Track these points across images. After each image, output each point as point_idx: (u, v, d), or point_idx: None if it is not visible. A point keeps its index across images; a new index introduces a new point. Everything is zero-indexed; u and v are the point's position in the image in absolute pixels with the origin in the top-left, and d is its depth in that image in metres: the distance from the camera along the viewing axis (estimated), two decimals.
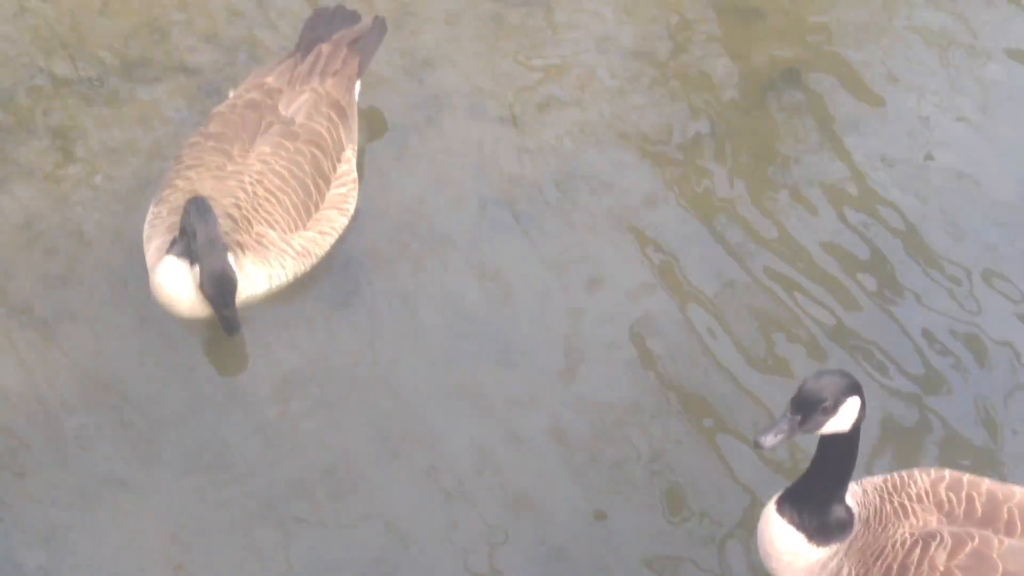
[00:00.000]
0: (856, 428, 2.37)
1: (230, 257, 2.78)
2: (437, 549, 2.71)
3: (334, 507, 2.69)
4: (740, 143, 3.23)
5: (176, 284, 2.82)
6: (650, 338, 2.79)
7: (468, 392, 2.91)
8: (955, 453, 2.83)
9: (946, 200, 3.06)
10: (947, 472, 2.55)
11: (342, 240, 3.07)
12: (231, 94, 3.14)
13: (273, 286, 2.93)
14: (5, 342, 2.87)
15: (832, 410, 2.29)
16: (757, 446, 2.38)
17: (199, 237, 2.72)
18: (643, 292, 2.88)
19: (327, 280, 3.08)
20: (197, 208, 2.71)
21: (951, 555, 2.36)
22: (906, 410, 2.87)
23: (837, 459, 2.44)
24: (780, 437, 2.32)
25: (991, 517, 2.43)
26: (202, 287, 2.74)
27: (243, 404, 2.88)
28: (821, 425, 2.30)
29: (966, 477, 2.53)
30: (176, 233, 2.76)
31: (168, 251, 2.76)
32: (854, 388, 2.31)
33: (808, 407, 2.29)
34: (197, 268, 2.74)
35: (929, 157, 3.16)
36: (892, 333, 3.01)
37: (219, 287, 2.74)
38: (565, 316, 2.88)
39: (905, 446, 2.87)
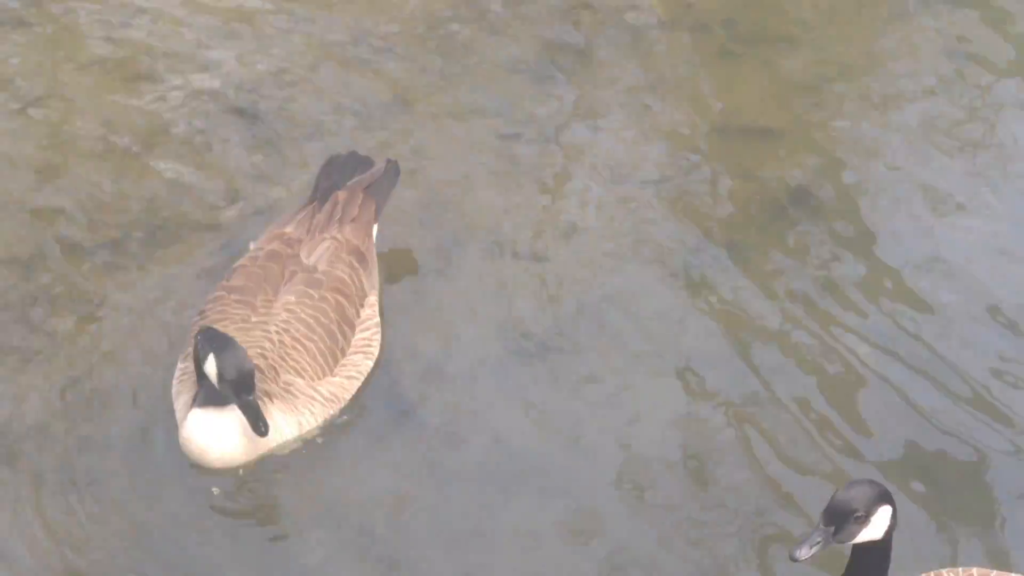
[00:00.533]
0: (888, 536, 2.43)
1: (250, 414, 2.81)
2: None
3: None
4: (758, 260, 3.25)
5: (204, 435, 2.81)
6: (693, 458, 2.84)
7: (517, 530, 2.88)
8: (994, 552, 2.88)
9: (958, 311, 3.18)
10: (976, 570, 2.64)
11: (367, 381, 3.08)
12: (252, 246, 3.19)
13: (303, 432, 2.93)
14: (33, 508, 2.86)
15: (864, 519, 2.34)
16: (793, 559, 2.40)
17: (211, 338, 2.76)
18: (680, 415, 2.90)
19: (358, 424, 3.05)
20: (203, 335, 2.76)
21: None
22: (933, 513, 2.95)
23: (871, 567, 2.52)
24: (815, 549, 2.34)
25: None
26: (222, 377, 2.73)
27: (285, 551, 2.88)
28: (855, 535, 2.34)
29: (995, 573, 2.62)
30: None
31: (193, 405, 2.78)
32: (885, 497, 2.37)
33: (840, 518, 2.33)
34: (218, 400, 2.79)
35: (940, 260, 3.27)
36: (916, 435, 3.06)
37: (238, 371, 2.74)
38: (607, 442, 2.88)
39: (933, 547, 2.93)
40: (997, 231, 3.63)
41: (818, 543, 2.35)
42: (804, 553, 2.38)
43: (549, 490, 2.97)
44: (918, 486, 2.92)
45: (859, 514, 2.35)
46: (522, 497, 2.95)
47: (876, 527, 2.41)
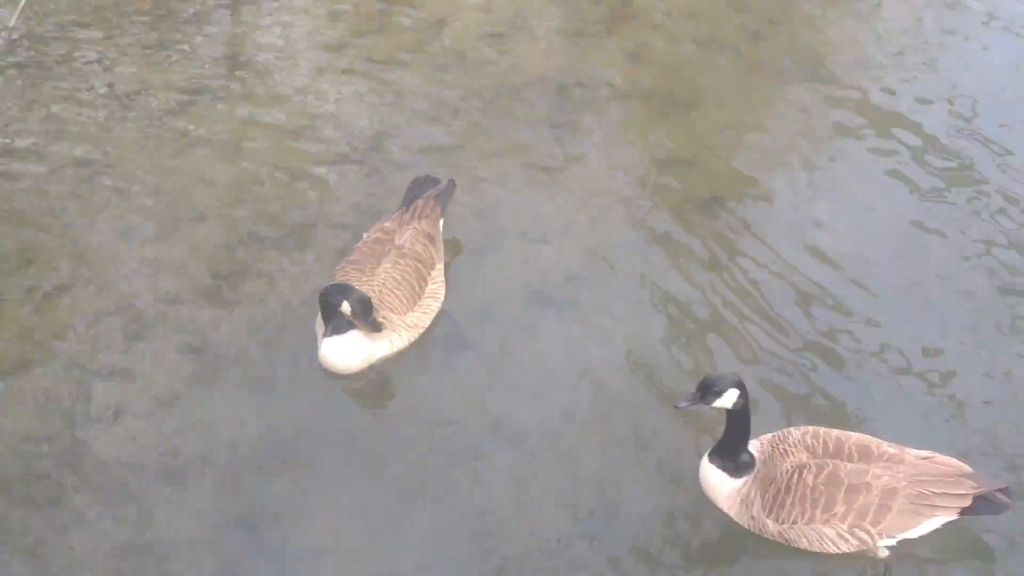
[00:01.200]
0: (739, 407, 3.21)
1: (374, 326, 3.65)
2: None
3: None
4: (691, 242, 4.19)
5: (333, 353, 3.65)
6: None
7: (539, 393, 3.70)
8: (817, 417, 3.61)
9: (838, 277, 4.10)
10: (811, 427, 3.42)
11: (438, 318, 3.91)
12: (364, 236, 4.02)
13: (395, 348, 3.74)
14: (231, 390, 3.62)
15: (719, 393, 3.14)
16: (676, 407, 3.36)
17: (342, 287, 3.60)
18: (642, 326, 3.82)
19: (432, 344, 3.87)
20: (343, 291, 3.59)
21: (815, 476, 3.21)
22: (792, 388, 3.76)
23: (738, 426, 3.27)
24: (686, 404, 3.25)
25: (838, 453, 3.29)
26: (354, 312, 3.55)
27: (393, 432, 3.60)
28: (712, 403, 3.17)
29: (822, 429, 3.37)
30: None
31: (325, 336, 3.64)
32: (737, 384, 3.17)
33: (705, 389, 3.18)
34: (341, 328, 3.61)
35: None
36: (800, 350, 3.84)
37: (362, 304, 3.56)
38: (601, 354, 3.76)
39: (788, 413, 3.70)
40: (841, 220, 4.48)
41: (689, 401, 3.23)
42: (682, 405, 3.29)
43: (567, 382, 3.75)
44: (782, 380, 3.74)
45: (716, 388, 3.15)
46: (552, 388, 3.70)
47: (726, 399, 3.16)
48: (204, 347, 3.85)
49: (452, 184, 4.28)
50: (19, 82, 5.43)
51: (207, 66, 5.48)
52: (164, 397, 3.66)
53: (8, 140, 4.94)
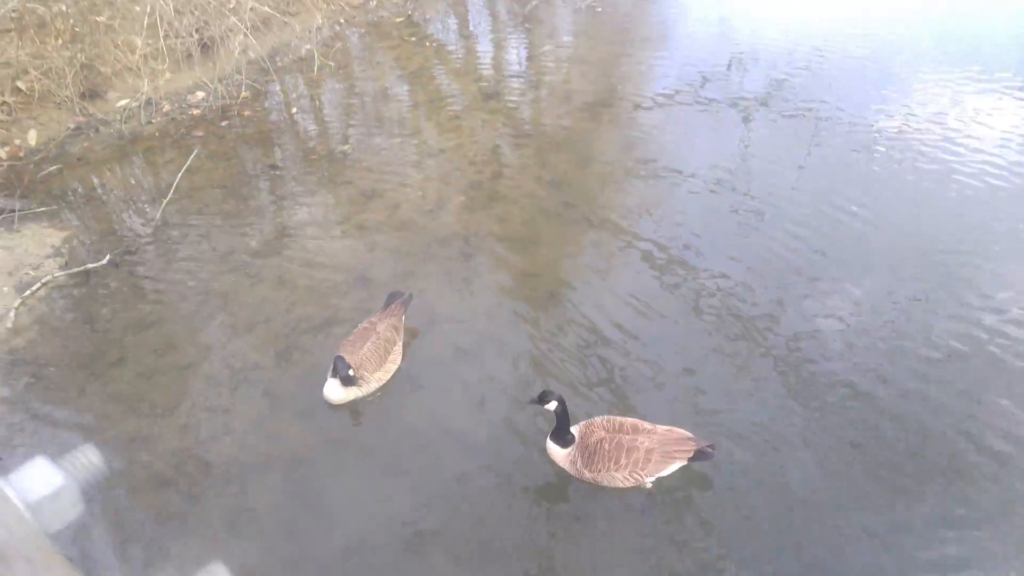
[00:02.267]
0: (560, 411, 3.80)
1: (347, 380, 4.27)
2: None
3: None
4: (539, 317, 4.83)
5: (329, 391, 4.36)
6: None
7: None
8: (608, 410, 4.02)
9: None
10: (606, 416, 3.99)
11: (397, 373, 4.54)
12: (359, 325, 4.65)
13: (368, 392, 4.44)
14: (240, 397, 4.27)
15: (549, 401, 3.82)
16: (527, 403, 3.95)
17: (336, 363, 4.27)
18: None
19: (392, 390, 4.49)
20: (337, 359, 4.28)
21: (609, 444, 3.80)
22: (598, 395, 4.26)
23: (562, 420, 3.90)
24: (531, 403, 3.87)
25: (621, 429, 3.89)
26: (336, 374, 4.24)
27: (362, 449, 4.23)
28: (544, 405, 3.82)
29: (613, 417, 3.97)
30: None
31: (328, 378, 4.35)
32: (558, 397, 3.81)
33: (541, 398, 3.83)
34: (337, 377, 4.28)
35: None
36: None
37: (343, 371, 4.24)
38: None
39: (593, 410, 4.22)
40: (620, 300, 4.96)
41: (533, 402, 3.84)
42: (530, 403, 3.86)
43: (474, 404, 4.33)
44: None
45: (547, 398, 3.78)
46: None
47: (552, 405, 3.78)
48: (276, 390, 4.51)
49: (410, 296, 4.96)
50: (160, 248, 5.92)
51: (267, 230, 6.07)
52: (248, 416, 4.30)
53: (160, 284, 5.49)
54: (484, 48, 9.94)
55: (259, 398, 4.49)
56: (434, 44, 9.97)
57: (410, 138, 7.49)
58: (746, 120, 7.34)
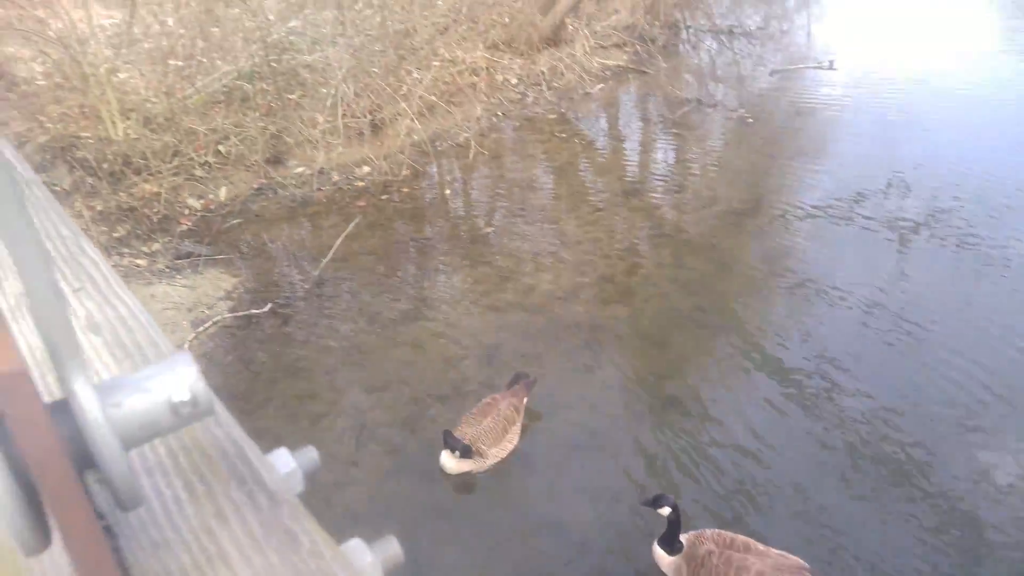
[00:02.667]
0: (672, 516, 3.85)
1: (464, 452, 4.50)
2: None
3: None
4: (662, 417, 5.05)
5: (444, 461, 4.61)
6: None
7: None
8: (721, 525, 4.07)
9: None
10: (717, 530, 4.03)
11: (513, 452, 4.76)
12: (482, 400, 4.87)
13: (485, 467, 4.64)
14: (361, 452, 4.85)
15: (662, 505, 3.89)
16: (641, 504, 4.00)
17: (445, 438, 4.53)
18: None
19: (507, 468, 4.74)
20: (445, 434, 4.56)
21: (718, 559, 3.82)
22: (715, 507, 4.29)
23: (673, 525, 3.94)
24: (645, 503, 3.94)
25: (732, 546, 3.88)
26: (451, 448, 4.50)
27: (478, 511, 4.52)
28: (656, 509, 3.88)
29: (724, 531, 3.99)
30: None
31: (443, 449, 4.58)
32: (672, 503, 3.86)
33: (654, 501, 3.88)
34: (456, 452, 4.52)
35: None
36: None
37: (460, 448, 4.49)
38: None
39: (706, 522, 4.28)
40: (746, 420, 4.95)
41: (647, 504, 3.89)
42: (643, 503, 3.93)
43: (585, 495, 4.72)
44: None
45: (661, 502, 3.86)
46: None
47: (665, 510, 3.82)
48: (400, 451, 4.86)
49: (535, 380, 5.16)
50: (313, 303, 6.54)
51: (409, 298, 6.57)
52: (371, 470, 4.63)
53: (310, 335, 6.07)
54: (631, 148, 10.36)
55: (383, 455, 4.80)
56: (583, 141, 10.51)
57: (550, 227, 7.89)
58: (904, 243, 7.13)
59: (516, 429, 4.84)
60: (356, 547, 0.42)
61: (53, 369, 0.36)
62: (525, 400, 5.00)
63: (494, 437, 4.69)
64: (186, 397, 0.38)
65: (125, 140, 8.16)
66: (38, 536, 0.35)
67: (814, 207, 7.99)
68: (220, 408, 0.50)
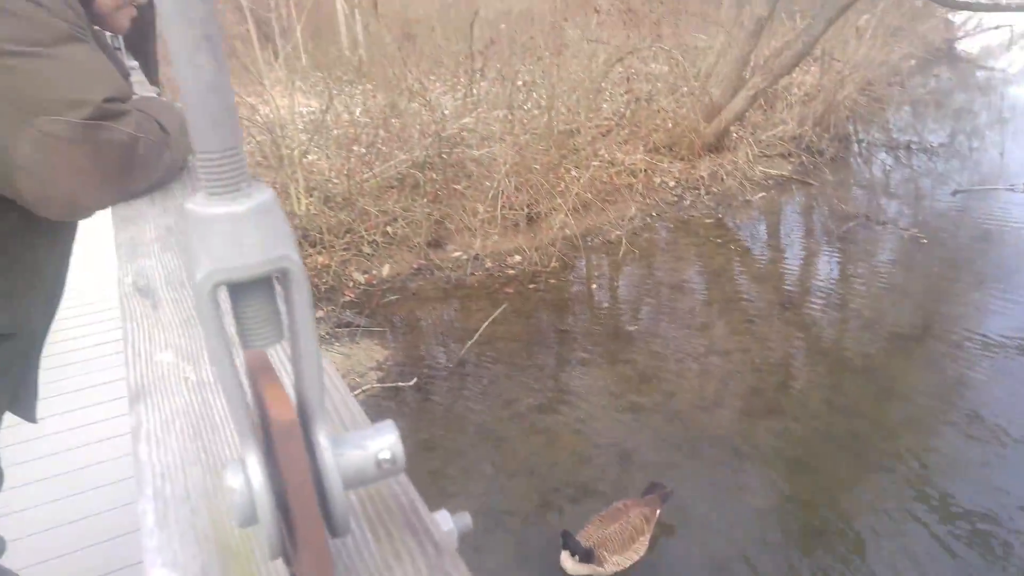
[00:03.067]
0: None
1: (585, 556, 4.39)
2: None
3: None
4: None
5: (564, 560, 4.50)
6: None
7: None
8: None
9: None
10: None
11: (637, 562, 4.62)
12: (614, 504, 4.75)
13: (604, 574, 4.50)
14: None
15: None
16: None
17: (563, 537, 4.46)
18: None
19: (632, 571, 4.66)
20: (564, 534, 4.47)
21: None
22: None
23: None
24: None
25: None
26: (571, 551, 4.42)
27: None
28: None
29: None
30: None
31: (563, 550, 4.49)
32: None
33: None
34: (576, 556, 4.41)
35: None
36: None
37: (581, 552, 4.41)
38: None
39: None
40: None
41: None
42: None
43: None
44: None
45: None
46: None
47: None
48: (524, 543, 4.81)
49: (671, 492, 5.02)
50: (455, 382, 6.81)
51: (547, 388, 6.67)
52: (494, 557, 4.61)
53: (449, 413, 6.26)
54: (790, 259, 10.09)
55: (510, 544, 4.81)
56: (739, 248, 10.40)
57: (697, 332, 7.78)
58: None
59: (644, 540, 4.70)
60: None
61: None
62: (658, 512, 4.88)
63: (619, 544, 4.58)
64: (388, 456, 0.50)
65: (306, 215, 9.11)
66: (279, 545, 0.48)
67: (996, 339, 7.34)
68: (403, 476, 0.64)
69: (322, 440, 0.50)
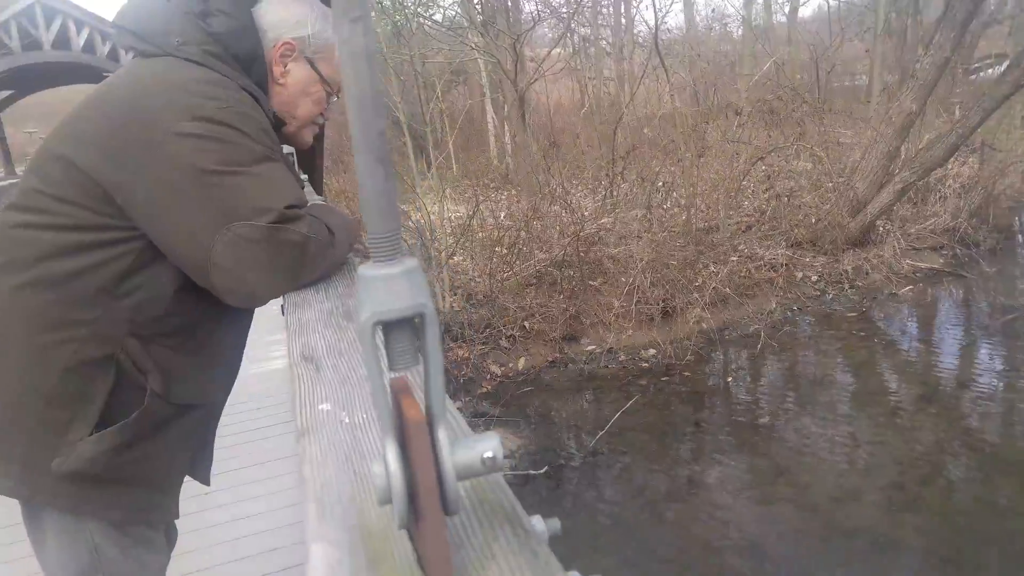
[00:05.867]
0: None
1: None
2: None
3: None
4: None
5: None
6: None
7: None
8: None
9: None
10: None
11: None
12: None
13: None
14: None
15: None
16: None
17: None
18: None
19: None
20: None
21: None
22: None
23: None
24: None
25: None
26: None
27: None
28: None
29: None
30: None
31: None
32: None
33: None
34: None
35: None
36: None
37: None
38: None
39: None
40: None
41: None
42: None
43: None
44: None
45: None
46: None
47: None
48: None
49: None
50: (585, 471, 6.74)
51: (678, 479, 6.45)
52: None
53: (579, 501, 6.26)
54: (938, 353, 9.35)
55: None
56: (883, 341, 9.78)
57: (836, 426, 7.34)
58: None
59: None
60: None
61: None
62: None
63: None
64: (491, 455, 0.67)
65: (449, 311, 9.64)
66: (406, 518, 0.65)
67: None
68: (501, 477, 0.80)
69: (442, 438, 0.67)
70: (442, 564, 0.62)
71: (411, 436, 0.63)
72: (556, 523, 0.77)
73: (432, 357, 0.65)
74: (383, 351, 0.65)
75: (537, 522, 0.76)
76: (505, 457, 7.62)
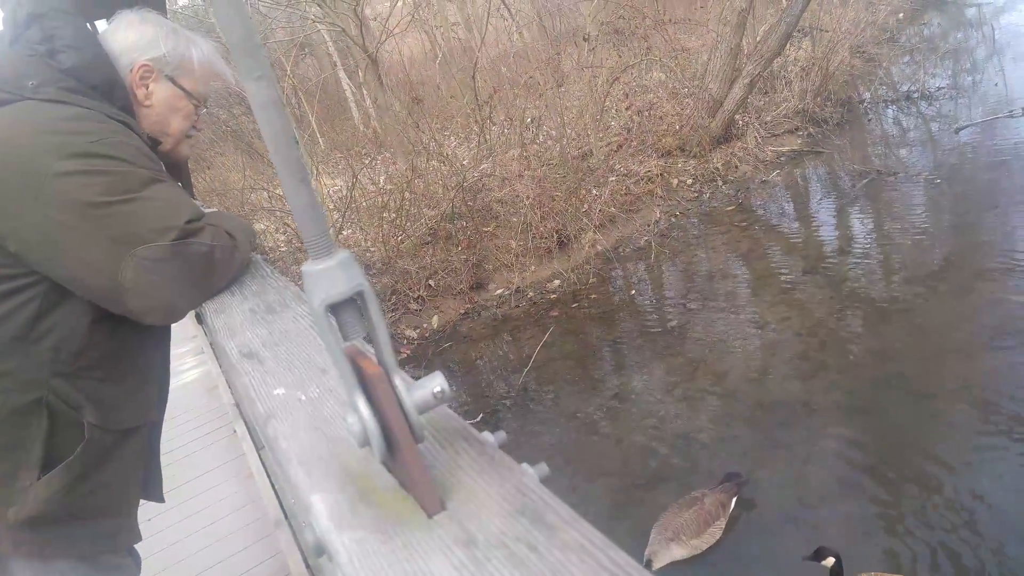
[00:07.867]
0: (836, 568, 3.85)
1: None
2: None
3: None
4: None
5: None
6: None
7: None
8: None
9: None
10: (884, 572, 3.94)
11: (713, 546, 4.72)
12: (693, 492, 4.89)
13: (681, 556, 4.64)
14: None
15: (823, 559, 3.89)
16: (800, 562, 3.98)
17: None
18: None
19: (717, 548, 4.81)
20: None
21: None
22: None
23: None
24: (807, 563, 3.92)
25: None
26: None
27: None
28: (819, 562, 3.88)
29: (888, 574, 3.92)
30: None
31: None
32: (834, 554, 3.86)
33: (816, 556, 3.89)
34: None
35: None
36: None
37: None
38: None
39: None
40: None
41: (808, 560, 3.93)
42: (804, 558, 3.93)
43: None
44: None
45: (824, 553, 3.89)
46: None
47: (826, 562, 3.86)
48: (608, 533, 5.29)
49: (746, 480, 5.13)
50: (518, 409, 7.12)
51: (606, 396, 6.84)
52: None
53: (519, 438, 6.50)
54: (812, 227, 10.19)
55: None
56: (763, 227, 10.54)
57: (736, 313, 7.96)
58: None
59: (719, 525, 4.85)
60: (524, 468, 0.86)
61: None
62: (734, 499, 5.00)
63: (694, 530, 4.76)
64: (439, 390, 0.83)
65: None
66: (385, 453, 0.82)
67: (1015, 262, 7.35)
68: (448, 408, 0.97)
69: (399, 383, 0.83)
70: (423, 480, 0.78)
71: (374, 386, 0.79)
72: (502, 434, 0.96)
73: (377, 323, 0.81)
74: (336, 328, 0.80)
75: (487, 436, 0.94)
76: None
